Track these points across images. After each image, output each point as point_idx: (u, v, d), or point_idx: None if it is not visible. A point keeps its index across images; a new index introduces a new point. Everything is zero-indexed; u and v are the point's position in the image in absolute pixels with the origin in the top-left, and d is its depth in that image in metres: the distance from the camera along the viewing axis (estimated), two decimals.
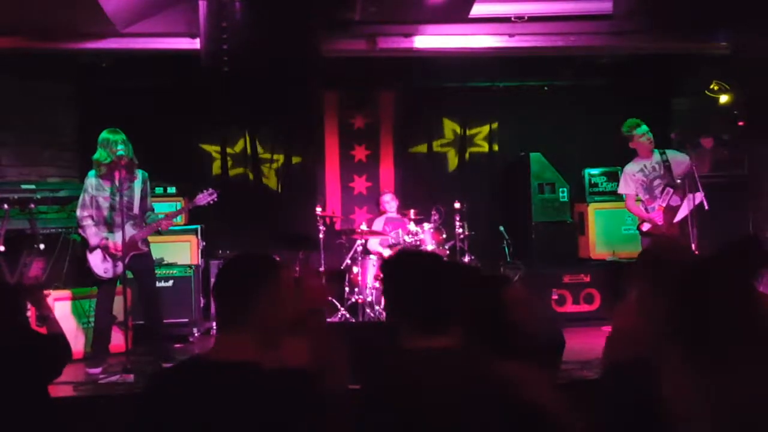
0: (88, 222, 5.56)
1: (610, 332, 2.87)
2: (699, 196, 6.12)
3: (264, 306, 2.01)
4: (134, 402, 2.05)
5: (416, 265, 2.21)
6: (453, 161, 8.78)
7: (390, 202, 7.90)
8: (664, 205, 6.34)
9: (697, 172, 6.19)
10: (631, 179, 6.51)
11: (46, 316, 3.39)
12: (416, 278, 2.15)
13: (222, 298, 2.07)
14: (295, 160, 8.52)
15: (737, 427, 1.31)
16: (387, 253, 7.30)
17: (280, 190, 8.44)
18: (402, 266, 2.26)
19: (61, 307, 6.00)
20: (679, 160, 6.39)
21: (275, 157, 8.48)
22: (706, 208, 6.12)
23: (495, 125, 8.79)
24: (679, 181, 6.35)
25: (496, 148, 8.79)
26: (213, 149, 8.44)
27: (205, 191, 5.91)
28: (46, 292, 5.95)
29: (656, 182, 6.43)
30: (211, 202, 5.92)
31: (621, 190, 6.66)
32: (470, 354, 2.10)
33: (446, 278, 2.16)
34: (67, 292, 6.11)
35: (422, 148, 8.75)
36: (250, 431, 1.92)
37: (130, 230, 5.56)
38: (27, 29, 6.01)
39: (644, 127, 6.39)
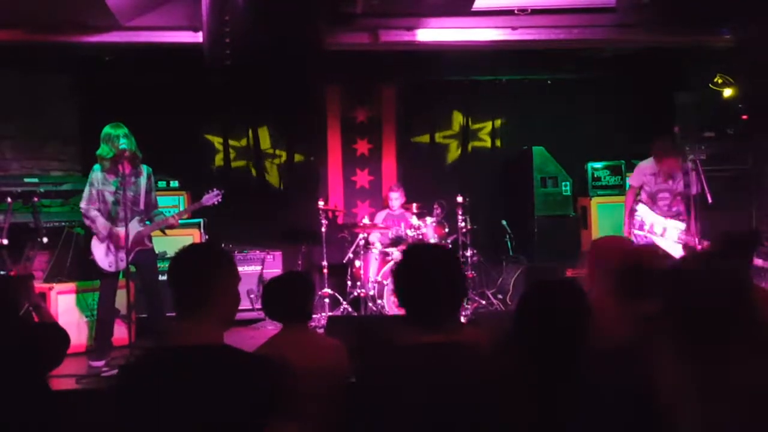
0: (96, 213, 5.57)
1: None
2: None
3: (220, 291, 2.13)
4: (106, 396, 2.09)
5: (420, 260, 2.21)
6: (453, 153, 8.78)
7: (396, 200, 7.85)
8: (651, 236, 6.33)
9: (701, 174, 6.15)
10: (642, 176, 6.53)
11: (36, 305, 3.41)
12: (417, 273, 2.16)
13: (180, 286, 2.15)
14: (298, 158, 8.54)
15: (729, 414, 1.32)
16: (379, 247, 7.29)
17: (281, 187, 8.46)
18: (407, 261, 2.25)
19: (65, 300, 6.03)
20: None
21: (278, 152, 8.49)
22: (710, 201, 6.11)
23: (498, 122, 8.78)
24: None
25: (498, 143, 8.78)
26: (216, 140, 8.45)
27: (210, 192, 5.96)
28: (48, 285, 6.01)
29: (661, 195, 6.39)
30: (216, 202, 5.97)
31: (630, 180, 6.72)
32: (468, 349, 2.10)
33: (448, 273, 2.16)
34: (70, 285, 6.13)
35: (425, 138, 8.75)
36: (220, 408, 1.95)
37: (136, 226, 5.60)
38: (29, 22, 6.00)
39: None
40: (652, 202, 6.45)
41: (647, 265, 2.24)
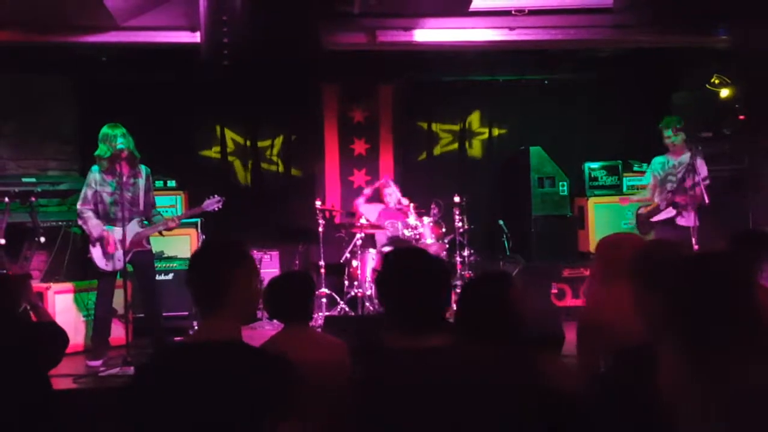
0: (89, 214, 5.56)
1: (582, 324, 2.90)
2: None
3: (240, 288, 2.13)
4: (127, 390, 2.09)
5: (406, 264, 2.18)
6: (443, 147, 8.78)
7: (391, 195, 7.85)
8: (656, 202, 6.42)
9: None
10: (651, 172, 6.65)
11: (34, 304, 3.41)
12: (405, 277, 2.13)
13: (199, 285, 2.15)
14: (295, 172, 8.55)
15: (736, 417, 1.32)
16: (386, 231, 7.31)
17: (272, 189, 8.44)
18: (392, 265, 2.23)
19: (63, 299, 6.02)
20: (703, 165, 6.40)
21: (275, 159, 8.50)
22: (707, 202, 6.13)
23: (496, 131, 8.78)
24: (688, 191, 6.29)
25: (496, 145, 8.78)
26: (214, 138, 8.44)
27: (212, 197, 5.95)
28: (46, 284, 6.00)
29: (669, 177, 6.47)
30: (217, 209, 5.95)
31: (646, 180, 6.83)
32: (463, 353, 2.09)
33: (436, 277, 2.14)
34: (68, 285, 6.12)
35: (423, 124, 8.77)
36: (237, 403, 1.97)
37: (135, 227, 5.59)
38: (27, 22, 6.00)
39: (671, 131, 6.43)
40: (660, 189, 6.51)
41: (658, 258, 2.24)
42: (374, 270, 6.94)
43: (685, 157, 6.39)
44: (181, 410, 1.99)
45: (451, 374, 1.99)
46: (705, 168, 6.35)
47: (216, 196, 5.98)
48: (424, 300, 2.08)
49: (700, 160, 6.33)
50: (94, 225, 5.55)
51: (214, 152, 8.43)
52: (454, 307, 6.76)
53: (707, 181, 6.21)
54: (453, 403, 1.95)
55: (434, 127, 8.77)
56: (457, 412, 1.95)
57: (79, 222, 5.64)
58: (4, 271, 5.68)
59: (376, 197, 7.90)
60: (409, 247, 6.38)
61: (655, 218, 6.45)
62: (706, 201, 6.13)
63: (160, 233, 5.91)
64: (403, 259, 2.25)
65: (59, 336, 3.14)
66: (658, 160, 6.66)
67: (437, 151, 8.78)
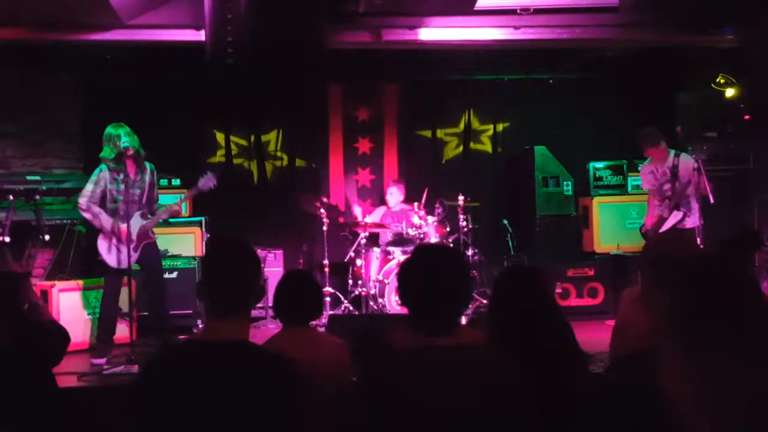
0: (99, 209, 5.58)
1: (615, 323, 2.89)
2: (694, 209, 6.29)
3: (253, 289, 2.16)
4: (134, 386, 2.09)
5: (428, 263, 2.16)
6: (451, 152, 8.76)
7: (393, 195, 7.84)
8: (657, 214, 6.41)
9: (703, 174, 6.15)
10: (645, 177, 6.68)
11: (34, 303, 3.42)
12: (423, 276, 2.11)
13: (219, 287, 2.14)
14: (299, 162, 8.53)
15: (737, 419, 1.32)
16: (388, 236, 7.30)
17: (278, 189, 8.42)
18: (414, 263, 2.21)
19: (67, 298, 6.03)
20: (688, 164, 6.36)
21: (279, 154, 8.49)
22: (712, 202, 6.12)
23: (501, 126, 8.76)
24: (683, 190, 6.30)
25: (500, 149, 8.76)
26: (219, 136, 8.44)
27: (204, 175, 5.91)
28: (50, 282, 6.01)
29: (666, 186, 6.45)
30: (213, 186, 5.92)
31: (642, 186, 6.84)
32: (470, 352, 2.08)
33: (455, 277, 2.13)
34: (73, 283, 6.14)
35: (427, 133, 8.75)
36: (248, 403, 1.96)
37: (139, 221, 5.60)
38: (32, 20, 6.01)
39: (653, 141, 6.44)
40: (660, 200, 6.49)
41: (664, 257, 2.22)
42: (400, 265, 6.88)
43: (670, 158, 6.39)
44: (191, 409, 1.98)
45: (457, 373, 1.98)
46: (689, 162, 6.31)
47: (208, 172, 5.94)
48: (450, 301, 2.07)
49: (684, 160, 6.32)
50: (105, 219, 5.58)
51: (218, 140, 8.41)
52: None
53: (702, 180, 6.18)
54: (457, 402, 1.94)
55: (439, 133, 8.74)
56: (462, 412, 1.94)
57: (87, 216, 5.64)
58: (4, 270, 5.69)
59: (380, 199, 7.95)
60: (441, 244, 6.37)
61: (663, 228, 6.37)
62: (711, 201, 6.12)
63: (167, 221, 5.92)
64: (436, 256, 2.21)
65: (60, 334, 3.15)
66: (647, 168, 6.64)
67: (444, 154, 8.76)
